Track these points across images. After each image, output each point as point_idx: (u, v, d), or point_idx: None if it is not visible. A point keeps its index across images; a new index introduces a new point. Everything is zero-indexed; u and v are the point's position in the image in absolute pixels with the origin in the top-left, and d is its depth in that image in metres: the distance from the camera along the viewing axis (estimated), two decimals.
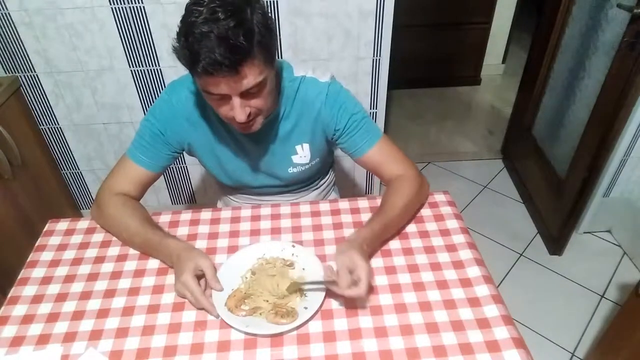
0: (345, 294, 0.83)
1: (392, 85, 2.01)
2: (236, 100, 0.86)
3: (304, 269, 0.96)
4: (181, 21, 0.82)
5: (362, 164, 1.12)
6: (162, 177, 1.12)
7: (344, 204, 1.14)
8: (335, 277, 0.84)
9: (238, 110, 0.88)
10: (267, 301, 0.89)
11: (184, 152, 1.13)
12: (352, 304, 0.89)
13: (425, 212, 1.11)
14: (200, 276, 0.90)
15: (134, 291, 0.94)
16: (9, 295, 0.94)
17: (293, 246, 1.00)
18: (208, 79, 0.82)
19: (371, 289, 0.91)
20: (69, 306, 0.91)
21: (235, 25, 0.78)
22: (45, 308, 0.91)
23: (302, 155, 1.11)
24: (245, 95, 0.87)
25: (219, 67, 0.79)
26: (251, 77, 0.84)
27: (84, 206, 2.22)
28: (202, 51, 0.78)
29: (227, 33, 0.77)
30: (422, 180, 1.09)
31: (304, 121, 1.06)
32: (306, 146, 1.10)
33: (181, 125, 1.04)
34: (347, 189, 2.22)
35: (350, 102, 1.06)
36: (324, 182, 1.31)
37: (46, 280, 0.97)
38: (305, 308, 0.87)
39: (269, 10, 1.67)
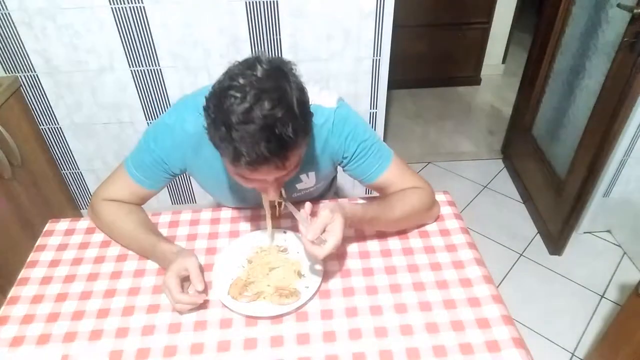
0: (306, 245, 0.82)
1: (392, 85, 2.01)
2: (272, 184, 0.83)
3: (298, 252, 0.99)
4: (216, 105, 0.74)
5: (373, 188, 1.07)
6: None
7: None
8: (307, 222, 0.84)
9: (272, 193, 0.85)
10: (269, 285, 0.91)
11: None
12: (352, 304, 0.90)
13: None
14: (187, 277, 0.89)
15: (134, 291, 0.94)
16: (9, 295, 0.94)
17: (284, 232, 1.04)
18: (250, 170, 0.78)
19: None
20: (69, 306, 0.91)
21: (281, 115, 0.72)
22: (45, 308, 0.91)
23: (307, 182, 1.07)
24: (281, 175, 0.83)
25: (264, 162, 0.74)
26: (293, 161, 0.80)
27: (84, 206, 2.22)
28: (248, 148, 0.72)
29: (275, 127, 0.71)
30: (433, 200, 1.05)
31: (309, 151, 1.00)
32: (312, 174, 1.05)
33: (184, 154, 0.98)
34: (347, 189, 2.22)
35: (358, 128, 0.99)
36: (327, 195, 1.30)
37: (46, 280, 0.97)
38: (307, 287, 0.91)
39: (269, 10, 1.67)
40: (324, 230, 0.82)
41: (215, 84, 0.76)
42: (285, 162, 0.77)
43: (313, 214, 0.87)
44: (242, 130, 0.71)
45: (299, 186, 1.07)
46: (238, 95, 0.71)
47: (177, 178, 2.13)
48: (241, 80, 0.72)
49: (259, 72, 0.73)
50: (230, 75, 0.74)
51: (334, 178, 1.34)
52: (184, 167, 1.01)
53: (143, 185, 1.02)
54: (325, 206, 0.84)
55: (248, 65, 0.75)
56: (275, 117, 0.71)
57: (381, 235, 1.05)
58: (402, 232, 1.05)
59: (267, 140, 0.71)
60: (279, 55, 1.77)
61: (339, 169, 1.11)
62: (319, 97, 0.96)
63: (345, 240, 1.02)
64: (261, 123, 0.71)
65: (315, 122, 0.94)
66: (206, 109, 0.76)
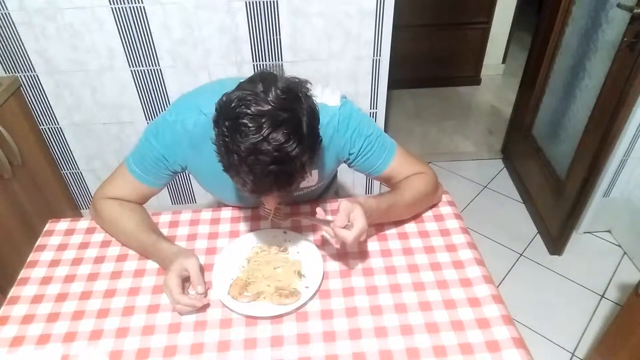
0: (336, 231, 0.85)
1: (392, 85, 2.01)
2: (272, 199, 0.87)
3: (298, 252, 0.99)
4: (228, 129, 0.73)
5: (379, 180, 1.10)
6: None
7: None
8: (327, 219, 0.89)
9: (271, 204, 0.89)
10: (269, 285, 0.91)
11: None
12: (352, 304, 0.90)
13: (425, 212, 1.11)
14: (188, 277, 0.89)
15: (134, 291, 0.94)
16: (9, 295, 0.94)
17: (285, 232, 1.04)
18: (255, 196, 0.81)
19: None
20: (69, 306, 0.91)
21: (293, 149, 0.72)
22: (45, 308, 0.91)
23: (309, 180, 1.07)
24: None
25: (269, 192, 0.77)
26: (296, 187, 0.83)
27: (84, 206, 2.22)
28: (255, 179, 0.73)
29: (285, 162, 0.72)
30: (438, 184, 1.10)
31: None
32: (315, 172, 1.05)
33: (184, 152, 0.98)
34: (347, 189, 2.22)
35: (363, 124, 1.00)
36: (327, 195, 1.30)
37: (46, 280, 0.97)
38: (307, 287, 0.91)
39: (269, 10, 1.67)
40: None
41: (227, 98, 0.74)
42: (289, 191, 0.79)
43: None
44: (252, 163, 0.72)
45: (301, 184, 1.07)
46: (251, 126, 0.71)
47: (177, 178, 2.14)
48: (253, 109, 0.71)
49: (273, 98, 0.72)
50: (244, 98, 0.72)
51: (334, 177, 1.34)
52: (184, 164, 1.01)
53: (144, 183, 1.02)
54: (342, 200, 0.89)
55: (263, 87, 0.73)
56: (286, 151, 0.72)
57: (381, 235, 1.05)
58: (402, 232, 1.06)
59: (276, 175, 0.73)
60: (279, 58, 1.78)
61: (340, 167, 1.12)
62: (322, 96, 0.96)
63: None
64: (272, 157, 0.72)
65: (320, 122, 0.95)
66: (217, 124, 0.75)
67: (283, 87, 0.74)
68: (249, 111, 0.71)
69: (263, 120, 0.71)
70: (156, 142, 0.97)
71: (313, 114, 0.78)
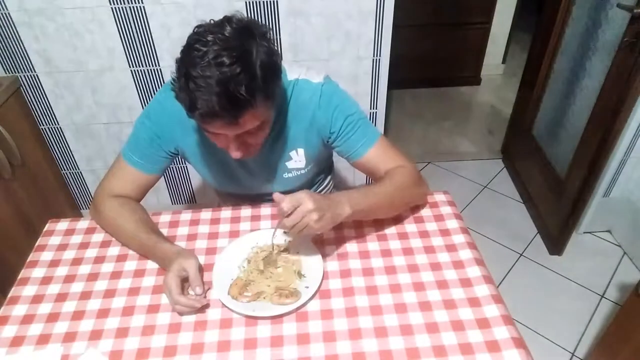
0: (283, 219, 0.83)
1: (392, 85, 2.01)
2: (232, 140, 0.86)
3: (298, 252, 0.99)
4: (181, 57, 0.79)
5: (360, 168, 1.07)
6: (162, 177, 1.11)
7: None
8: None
9: (233, 150, 0.88)
10: (269, 285, 0.91)
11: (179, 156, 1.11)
12: (352, 304, 0.90)
13: (425, 212, 1.11)
14: (187, 278, 0.89)
15: (134, 291, 0.94)
16: (9, 295, 0.94)
17: (285, 232, 1.03)
18: (204, 122, 0.82)
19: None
20: (69, 306, 0.91)
21: (239, 72, 0.75)
22: (45, 308, 0.91)
23: (297, 160, 1.07)
24: (243, 134, 0.86)
25: (216, 117, 0.78)
26: (249, 123, 0.83)
27: (84, 206, 2.22)
28: (201, 99, 0.75)
29: (230, 83, 0.74)
30: (420, 179, 1.05)
31: (297, 126, 1.02)
32: (301, 151, 1.06)
33: (174, 130, 1.01)
34: (349, 183, 2.22)
35: (345, 103, 1.01)
36: (323, 189, 1.30)
37: (46, 280, 0.97)
38: (307, 287, 0.91)
39: (269, 10, 1.67)
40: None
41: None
42: (237, 120, 0.79)
43: None
44: (198, 83, 0.75)
45: (289, 164, 1.08)
46: (202, 49, 0.75)
47: (177, 177, 2.14)
48: (209, 37, 0.76)
49: (227, 31, 0.77)
50: (200, 31, 0.78)
51: (331, 169, 1.34)
52: (175, 144, 1.04)
53: (141, 170, 1.03)
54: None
55: (218, 24, 0.79)
56: (230, 74, 0.75)
57: (381, 235, 1.05)
58: (402, 232, 1.06)
59: (219, 96, 0.75)
60: (281, 55, 1.78)
61: (334, 163, 1.11)
62: (307, 74, 1.00)
63: (345, 240, 1.03)
64: (217, 78, 0.74)
65: (302, 97, 0.98)
66: (176, 61, 0.80)
67: (237, 21, 0.79)
68: (202, 39, 0.77)
69: (212, 44, 0.75)
70: (149, 121, 1.00)
71: (269, 53, 0.81)
